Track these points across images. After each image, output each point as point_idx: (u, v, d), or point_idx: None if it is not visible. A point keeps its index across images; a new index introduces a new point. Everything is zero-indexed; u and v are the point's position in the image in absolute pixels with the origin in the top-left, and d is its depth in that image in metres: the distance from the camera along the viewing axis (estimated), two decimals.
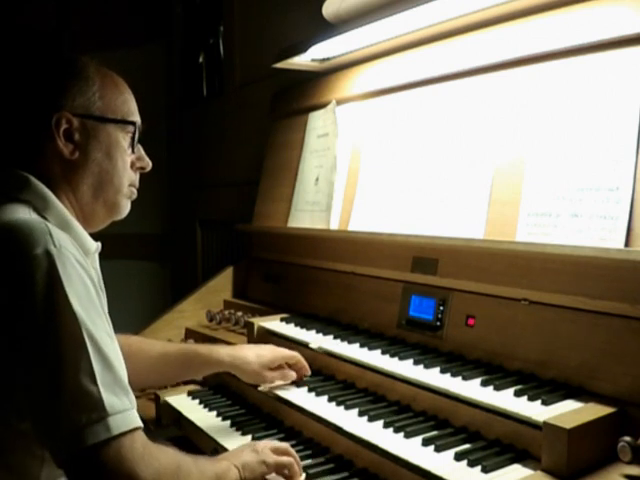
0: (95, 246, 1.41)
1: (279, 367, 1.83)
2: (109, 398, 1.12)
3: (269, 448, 1.46)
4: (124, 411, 1.13)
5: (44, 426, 1.13)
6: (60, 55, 1.46)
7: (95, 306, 1.19)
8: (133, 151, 1.46)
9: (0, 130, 1.42)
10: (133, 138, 1.45)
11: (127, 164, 1.45)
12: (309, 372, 1.84)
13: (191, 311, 2.73)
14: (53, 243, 1.15)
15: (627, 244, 1.40)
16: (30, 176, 1.32)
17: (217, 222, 3.65)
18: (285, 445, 1.51)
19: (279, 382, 1.82)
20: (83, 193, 1.39)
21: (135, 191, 1.49)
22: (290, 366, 1.84)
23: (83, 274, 1.18)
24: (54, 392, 1.10)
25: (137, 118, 1.47)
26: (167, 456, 1.22)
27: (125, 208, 1.48)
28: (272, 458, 1.44)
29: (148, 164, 1.51)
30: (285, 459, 1.45)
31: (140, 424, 1.17)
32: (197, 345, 1.91)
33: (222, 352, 1.80)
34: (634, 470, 1.22)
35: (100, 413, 1.10)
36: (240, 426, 1.77)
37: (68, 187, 1.37)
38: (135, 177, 1.49)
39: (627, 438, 1.20)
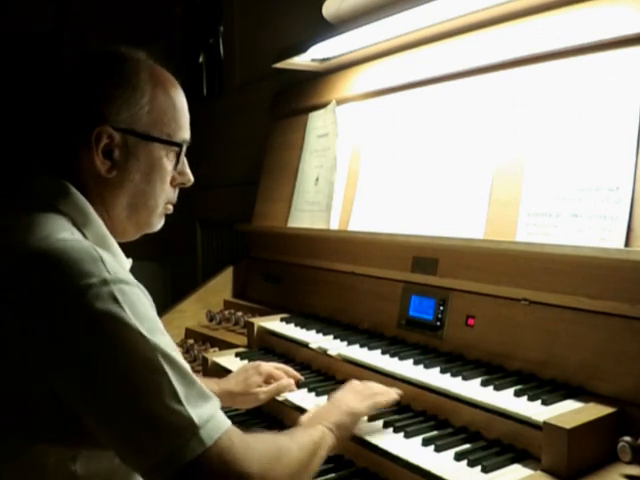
0: (128, 264, 1.34)
1: (270, 377, 1.78)
2: (196, 412, 1.08)
3: (350, 397, 1.47)
4: (212, 417, 1.10)
5: (137, 455, 1.08)
6: (110, 55, 1.29)
7: (157, 323, 1.13)
8: (175, 169, 1.35)
9: (37, 135, 1.32)
10: (178, 157, 1.33)
11: (166, 184, 1.33)
12: (300, 377, 1.80)
13: (191, 311, 2.73)
14: (107, 270, 1.08)
15: (627, 244, 1.40)
16: (70, 185, 1.22)
17: (217, 222, 3.65)
18: (357, 383, 1.52)
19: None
20: (116, 211, 1.29)
21: (171, 207, 1.38)
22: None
23: (140, 294, 1.12)
24: (143, 422, 1.06)
25: (186, 135, 1.34)
26: (264, 442, 1.19)
27: (158, 225, 1.38)
28: (360, 405, 1.45)
29: (189, 180, 1.39)
30: (370, 402, 1.47)
31: (228, 421, 1.14)
32: None
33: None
34: (634, 470, 1.22)
35: (193, 429, 1.07)
36: (240, 426, 1.76)
37: (101, 203, 1.27)
38: (173, 194, 1.38)
39: (627, 438, 1.20)
